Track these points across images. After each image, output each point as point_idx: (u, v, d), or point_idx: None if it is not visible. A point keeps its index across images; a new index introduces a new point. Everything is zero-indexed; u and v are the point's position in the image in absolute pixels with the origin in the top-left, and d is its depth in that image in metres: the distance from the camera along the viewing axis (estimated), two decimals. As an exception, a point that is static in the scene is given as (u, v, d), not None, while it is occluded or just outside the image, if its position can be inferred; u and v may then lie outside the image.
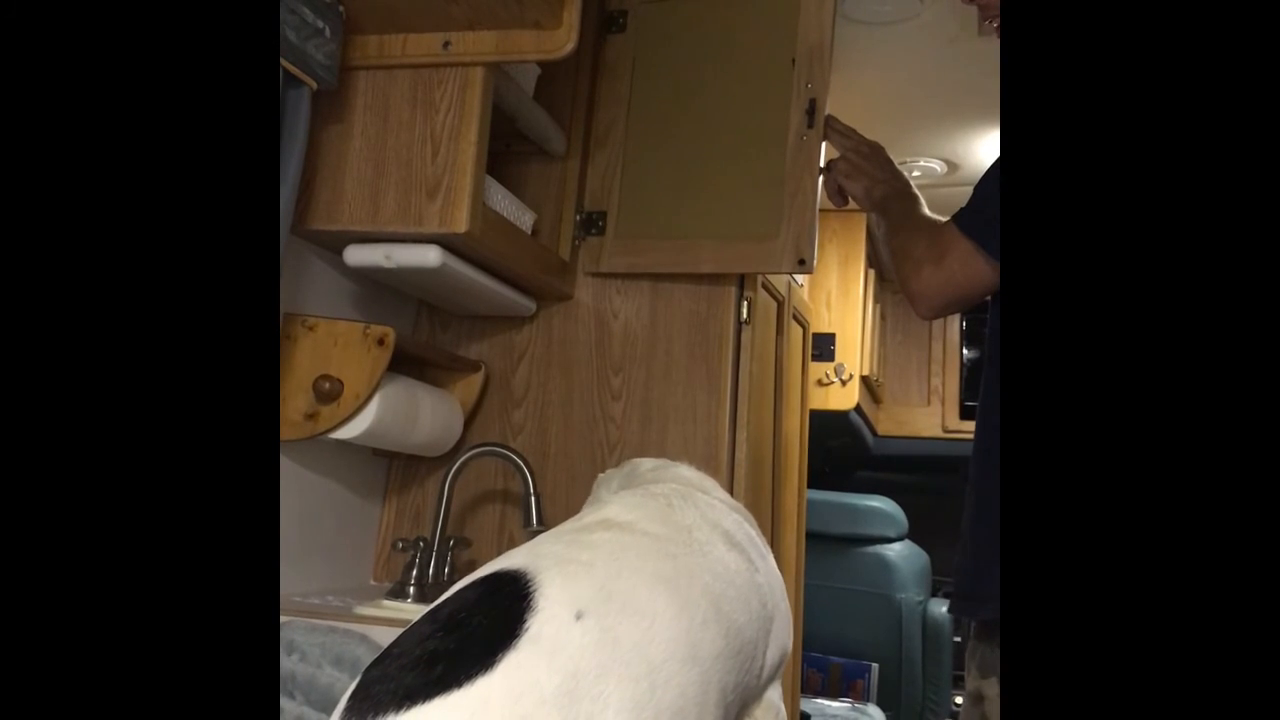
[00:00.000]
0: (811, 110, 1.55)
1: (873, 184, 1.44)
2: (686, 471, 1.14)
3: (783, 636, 1.03)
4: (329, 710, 0.99)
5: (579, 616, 0.76)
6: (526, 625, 0.74)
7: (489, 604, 0.77)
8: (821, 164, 1.55)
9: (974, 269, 1.19)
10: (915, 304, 1.27)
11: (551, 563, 0.82)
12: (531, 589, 0.77)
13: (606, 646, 0.76)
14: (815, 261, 1.55)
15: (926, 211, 1.37)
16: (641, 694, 0.75)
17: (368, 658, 1.17)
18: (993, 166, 1.22)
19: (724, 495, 1.12)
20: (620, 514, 0.95)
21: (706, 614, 0.86)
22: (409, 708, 0.68)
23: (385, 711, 0.69)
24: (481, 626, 0.75)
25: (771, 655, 1.00)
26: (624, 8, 1.76)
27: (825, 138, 1.54)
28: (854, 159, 1.47)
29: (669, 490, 1.04)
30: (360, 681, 0.73)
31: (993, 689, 1.19)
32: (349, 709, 0.71)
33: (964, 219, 1.21)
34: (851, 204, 1.52)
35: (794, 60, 1.58)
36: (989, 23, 1.31)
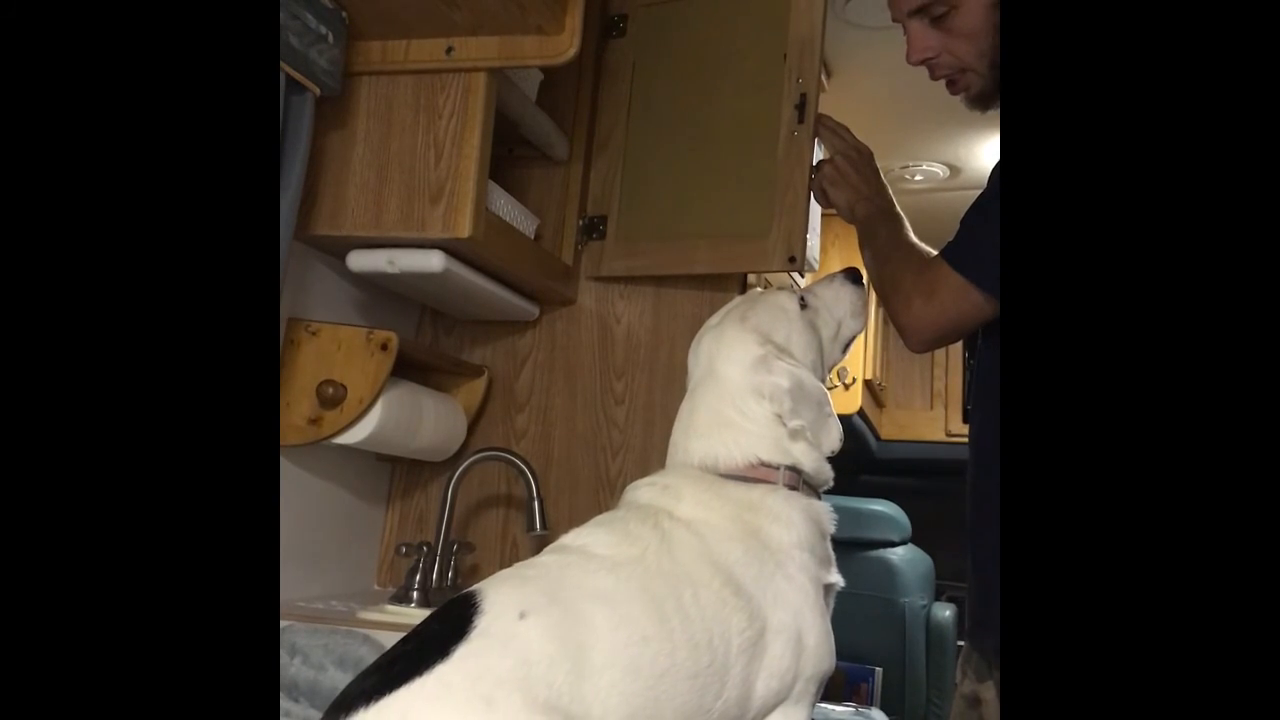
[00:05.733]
0: (802, 105, 1.54)
1: (856, 198, 1.41)
2: (650, 492, 1.07)
3: (782, 663, 0.97)
4: None
5: (523, 615, 0.83)
6: (476, 624, 0.82)
7: (442, 616, 0.86)
8: (815, 160, 1.54)
9: (966, 303, 1.18)
10: (906, 337, 1.26)
11: (498, 580, 0.90)
12: (479, 598, 0.85)
13: (554, 640, 0.82)
14: (813, 260, 1.53)
15: (911, 236, 1.35)
16: (589, 692, 0.82)
17: (370, 657, 1.18)
18: (978, 199, 1.21)
19: (718, 508, 1.03)
20: (574, 539, 0.99)
21: (647, 631, 0.88)
22: (376, 700, 0.76)
23: (354, 709, 0.76)
24: (436, 631, 0.83)
25: (765, 685, 0.96)
26: (624, 11, 1.77)
27: (816, 134, 1.53)
28: (842, 164, 1.45)
29: (630, 514, 1.03)
30: (336, 696, 0.80)
31: (990, 693, 1.19)
32: (325, 716, 0.78)
33: (953, 253, 1.20)
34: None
35: (785, 55, 1.57)
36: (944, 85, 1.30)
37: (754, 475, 1.07)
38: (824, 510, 1.10)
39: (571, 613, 0.85)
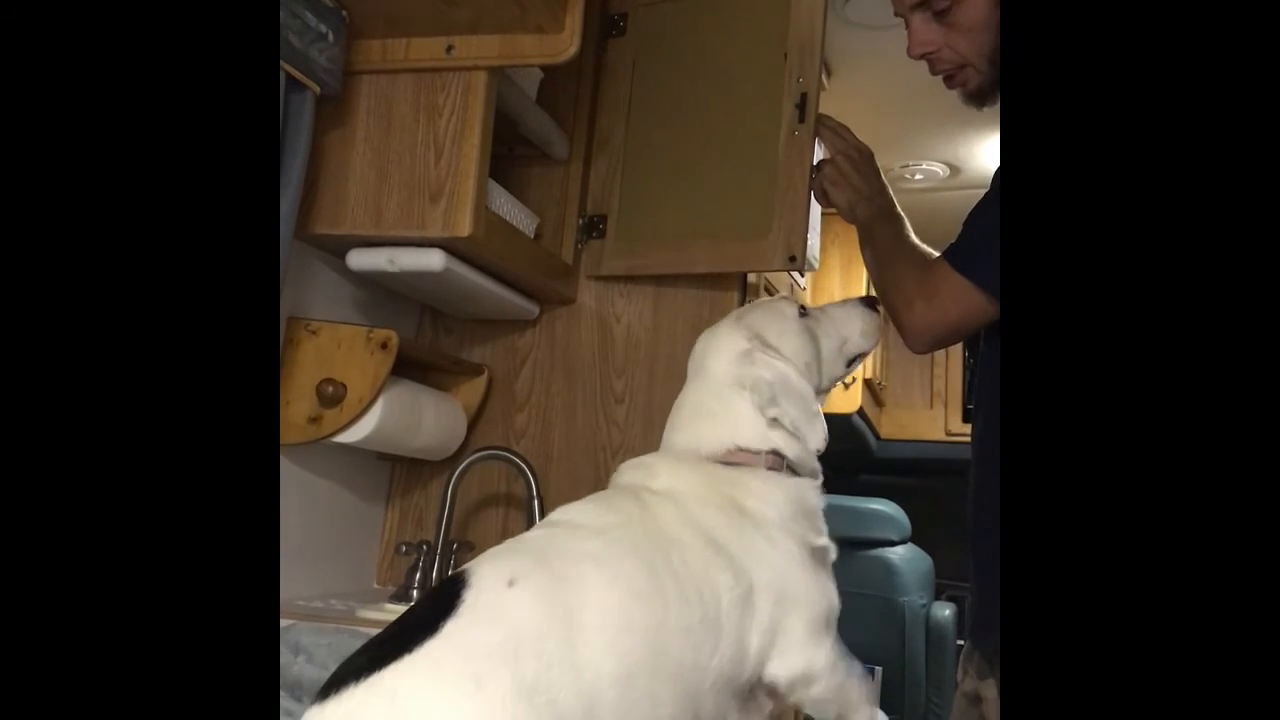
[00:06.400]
0: (802, 105, 1.54)
1: (856, 199, 1.41)
2: (632, 474, 1.09)
3: (772, 619, 0.97)
4: None
5: (511, 583, 0.83)
6: (463, 598, 0.81)
7: (431, 596, 0.86)
8: (816, 159, 1.54)
9: (967, 305, 1.18)
10: (908, 339, 1.26)
11: (486, 555, 0.90)
12: (467, 574, 0.85)
13: (544, 604, 0.82)
14: (813, 260, 1.52)
15: (912, 237, 1.35)
16: (582, 656, 0.81)
17: None
18: (981, 201, 1.21)
19: (693, 479, 1.05)
20: (560, 515, 1.00)
21: (639, 586, 0.88)
22: (365, 677, 0.75)
23: (344, 687, 0.75)
24: (424, 610, 0.82)
25: (760, 641, 0.96)
26: (624, 10, 1.76)
27: (817, 134, 1.52)
28: (842, 164, 1.45)
29: (613, 491, 1.06)
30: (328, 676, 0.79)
31: (991, 690, 1.19)
32: (317, 696, 0.77)
33: (955, 255, 1.20)
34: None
35: (785, 55, 1.57)
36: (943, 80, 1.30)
37: (734, 459, 1.07)
38: (808, 486, 1.09)
39: (561, 575, 0.85)
